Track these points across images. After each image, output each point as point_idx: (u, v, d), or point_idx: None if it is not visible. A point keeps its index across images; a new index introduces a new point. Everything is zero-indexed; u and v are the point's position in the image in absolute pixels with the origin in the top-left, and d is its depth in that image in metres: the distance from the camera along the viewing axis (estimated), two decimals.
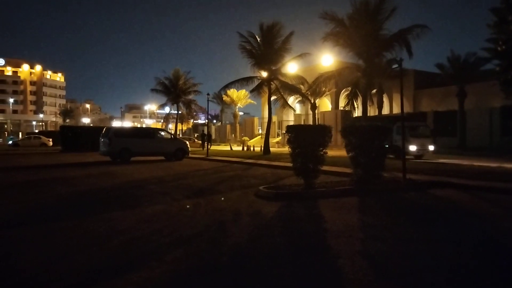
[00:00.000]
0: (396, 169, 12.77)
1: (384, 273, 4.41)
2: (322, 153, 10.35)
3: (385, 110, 44.74)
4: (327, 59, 33.56)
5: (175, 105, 48.68)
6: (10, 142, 52.26)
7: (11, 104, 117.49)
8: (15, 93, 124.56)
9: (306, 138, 10.31)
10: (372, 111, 38.19)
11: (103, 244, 5.49)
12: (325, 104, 52.33)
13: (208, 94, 32.05)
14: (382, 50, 24.32)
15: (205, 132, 35.71)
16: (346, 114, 40.70)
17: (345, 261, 4.70)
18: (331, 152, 12.68)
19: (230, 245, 5.56)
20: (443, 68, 36.50)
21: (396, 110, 44.63)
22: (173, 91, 46.94)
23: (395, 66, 23.13)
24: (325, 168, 11.25)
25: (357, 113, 39.83)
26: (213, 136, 47.10)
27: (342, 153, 12.71)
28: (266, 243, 5.62)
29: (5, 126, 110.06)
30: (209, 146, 40.42)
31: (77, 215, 7.59)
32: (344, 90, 43.77)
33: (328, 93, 45.47)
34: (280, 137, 49.52)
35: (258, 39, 29.21)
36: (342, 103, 45.23)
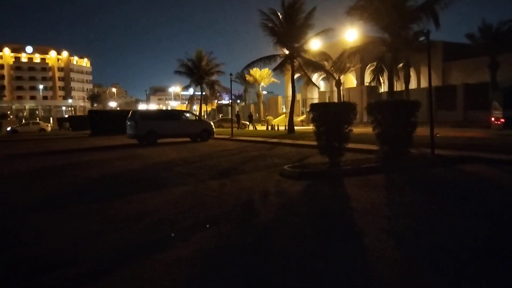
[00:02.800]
0: (424, 145, 12.48)
1: (412, 251, 4.36)
2: (347, 130, 10.22)
3: (413, 85, 43.57)
4: (351, 34, 32.71)
5: (199, 86, 48.90)
6: (9, 128, 50.74)
7: (41, 91, 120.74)
8: (44, 79, 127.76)
9: (331, 115, 10.17)
10: (398, 86, 37.27)
11: (132, 225, 5.64)
12: (350, 80, 51.36)
13: (231, 74, 31.94)
14: (408, 23, 23.50)
15: (238, 113, 36.32)
16: (372, 90, 39.86)
17: (371, 239, 4.66)
18: (356, 129, 12.52)
19: (256, 225, 5.61)
20: (473, 38, 35.11)
21: (424, 84, 43.38)
22: (196, 72, 47.12)
23: (422, 38, 22.37)
24: (350, 145, 11.12)
25: (383, 88, 38.94)
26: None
27: (368, 130, 12.53)
28: (292, 222, 5.64)
29: (36, 112, 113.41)
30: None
31: (106, 197, 7.80)
32: (369, 65, 42.72)
33: (353, 69, 44.58)
34: (304, 116, 49.14)
35: (280, 16, 28.75)
36: (367, 78, 44.25)
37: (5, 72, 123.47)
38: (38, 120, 61.22)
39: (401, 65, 30.07)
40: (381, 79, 27.12)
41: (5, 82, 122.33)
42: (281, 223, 5.65)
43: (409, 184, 8.50)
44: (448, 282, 3.56)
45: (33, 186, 9.39)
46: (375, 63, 27.83)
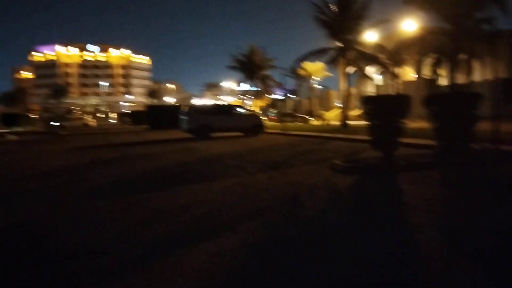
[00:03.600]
0: (488, 140, 11.67)
1: (465, 250, 4.09)
2: (401, 124, 9.80)
3: (477, 77, 40.98)
4: (409, 25, 31.39)
5: (252, 81, 49.23)
6: (55, 123, 50.99)
7: (104, 87, 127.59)
8: (107, 76, 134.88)
9: (384, 109, 9.81)
10: (461, 79, 35.24)
11: (181, 215, 5.77)
12: (408, 73, 49.33)
13: (283, 69, 31.81)
14: (472, 10, 22.10)
15: (295, 107, 36.85)
16: (431, 83, 37.99)
17: (422, 236, 4.43)
18: (414, 124, 12.02)
19: (302, 218, 5.54)
20: None
21: (490, 76, 40.64)
22: (249, 67, 47.45)
23: (486, 27, 20.98)
24: (406, 140, 10.68)
25: (444, 81, 36.99)
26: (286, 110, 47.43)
27: (426, 124, 11.95)
28: (339, 216, 5.51)
29: (100, 107, 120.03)
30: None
31: (158, 187, 8.05)
32: (428, 57, 40.77)
33: (411, 61, 42.75)
34: (359, 110, 47.96)
35: (333, 8, 28.18)
36: (426, 71, 42.27)
37: (72, 70, 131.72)
38: (82, 116, 63.63)
39: (463, 56, 28.38)
40: (440, 71, 25.76)
41: (72, 79, 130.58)
42: (328, 217, 5.53)
43: (467, 180, 8.00)
44: (502, 285, 3.30)
45: (90, 176, 9.91)
46: (434, 55, 26.51)
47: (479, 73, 42.69)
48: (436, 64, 25.26)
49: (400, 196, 6.64)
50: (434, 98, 10.51)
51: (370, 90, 51.18)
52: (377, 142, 10.03)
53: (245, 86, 56.62)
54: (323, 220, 5.36)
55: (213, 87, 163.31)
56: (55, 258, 4.18)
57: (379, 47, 30.76)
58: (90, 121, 54.17)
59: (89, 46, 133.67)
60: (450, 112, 10.01)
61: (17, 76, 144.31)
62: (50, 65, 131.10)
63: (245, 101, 67.81)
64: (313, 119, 42.79)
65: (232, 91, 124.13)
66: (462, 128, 10.03)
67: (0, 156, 16.25)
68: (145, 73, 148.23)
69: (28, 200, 7.24)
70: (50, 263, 4.05)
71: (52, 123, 49.11)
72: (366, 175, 8.80)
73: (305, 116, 44.19)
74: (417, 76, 46.10)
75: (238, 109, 27.29)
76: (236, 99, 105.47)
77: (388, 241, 4.40)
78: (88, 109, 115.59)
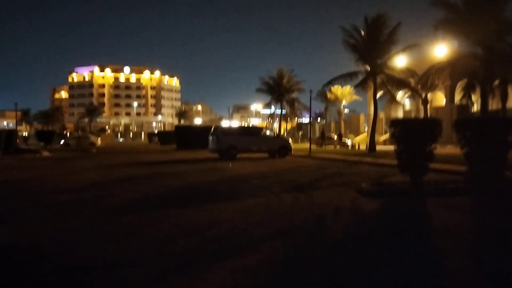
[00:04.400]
0: None
1: (496, 278, 3.93)
2: (431, 148, 9.61)
3: (511, 103, 39.80)
4: (440, 49, 31.05)
5: (279, 104, 49.37)
6: (62, 142, 51.33)
7: (135, 108, 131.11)
8: (138, 97, 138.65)
9: (413, 132, 9.67)
10: (494, 105, 34.33)
11: (205, 232, 5.80)
12: (439, 98, 48.45)
13: (310, 92, 31.81)
14: (504, 35, 21.67)
15: (323, 131, 36.84)
16: (463, 109, 37.15)
17: (451, 262, 4.30)
18: (445, 150, 11.77)
19: (326, 239, 5.48)
20: None
21: None
22: (277, 90, 47.63)
23: None
24: (436, 166, 10.45)
25: (475, 107, 36.12)
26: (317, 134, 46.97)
27: (457, 151, 11.68)
28: (364, 239, 5.41)
29: (130, 127, 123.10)
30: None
31: (183, 204, 8.14)
32: (460, 82, 40.02)
33: (442, 86, 42.04)
34: (387, 134, 47.24)
35: (362, 32, 28.24)
36: (458, 97, 41.41)
37: (105, 90, 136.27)
38: (88, 134, 64.54)
39: (497, 82, 27.73)
40: (473, 97, 25.19)
41: (105, 99, 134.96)
42: (352, 240, 5.44)
43: (499, 208, 7.72)
44: None
45: (118, 192, 10.12)
46: (466, 80, 26.02)
47: None
48: (468, 90, 24.69)
49: (429, 221, 6.47)
50: (466, 123, 10.28)
51: (399, 115, 50.47)
52: (405, 166, 9.84)
53: (273, 109, 56.86)
54: (348, 243, 5.27)
55: (241, 109, 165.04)
56: (74, 269, 4.26)
57: (409, 71, 30.34)
58: (96, 140, 55.13)
59: (126, 69, 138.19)
60: (483, 137, 9.74)
61: (56, 95, 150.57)
62: (86, 86, 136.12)
63: (274, 123, 67.99)
64: (349, 142, 42.05)
65: (260, 114, 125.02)
66: (495, 155, 9.71)
67: (34, 171, 16.83)
68: (175, 94, 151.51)
69: (57, 213, 7.45)
70: (68, 273, 4.13)
71: (61, 141, 50.24)
72: (392, 199, 8.63)
73: (338, 139, 43.34)
74: (448, 101, 45.24)
75: (265, 131, 27.42)
76: (263, 121, 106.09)
77: (415, 267, 4.27)
78: (120, 129, 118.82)
